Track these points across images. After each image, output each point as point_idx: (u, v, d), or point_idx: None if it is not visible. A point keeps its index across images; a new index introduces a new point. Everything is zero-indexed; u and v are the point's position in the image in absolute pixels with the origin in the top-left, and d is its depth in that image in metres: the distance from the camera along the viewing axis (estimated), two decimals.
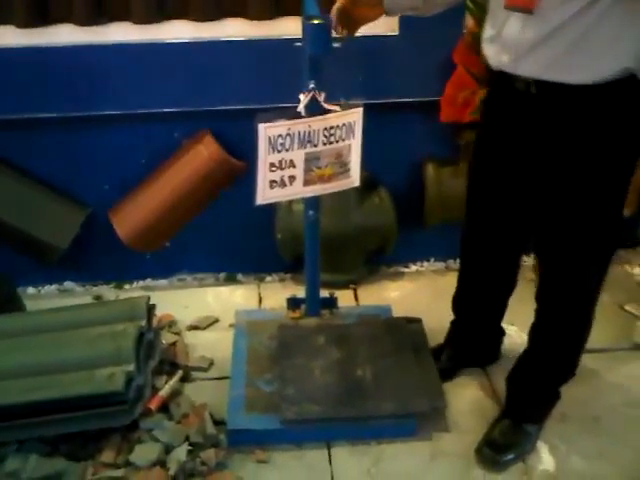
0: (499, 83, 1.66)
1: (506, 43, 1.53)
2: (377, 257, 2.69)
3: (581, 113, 1.52)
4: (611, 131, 1.53)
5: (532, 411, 1.98)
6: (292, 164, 1.83)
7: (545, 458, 1.93)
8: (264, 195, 1.85)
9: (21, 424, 1.79)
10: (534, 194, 1.74)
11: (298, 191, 1.89)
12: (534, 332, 1.91)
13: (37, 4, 2.22)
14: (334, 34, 1.71)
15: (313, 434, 1.95)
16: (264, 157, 1.79)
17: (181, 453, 1.82)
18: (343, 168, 1.90)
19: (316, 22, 1.65)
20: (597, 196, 1.60)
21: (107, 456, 1.80)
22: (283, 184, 1.85)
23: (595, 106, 1.51)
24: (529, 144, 1.65)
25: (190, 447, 1.85)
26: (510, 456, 1.90)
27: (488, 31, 1.63)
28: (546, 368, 1.91)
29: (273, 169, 1.81)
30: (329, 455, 1.94)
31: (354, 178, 1.93)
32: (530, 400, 1.97)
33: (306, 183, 1.88)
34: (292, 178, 1.85)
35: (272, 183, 1.83)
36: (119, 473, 1.75)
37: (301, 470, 1.89)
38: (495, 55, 1.59)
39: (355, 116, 1.84)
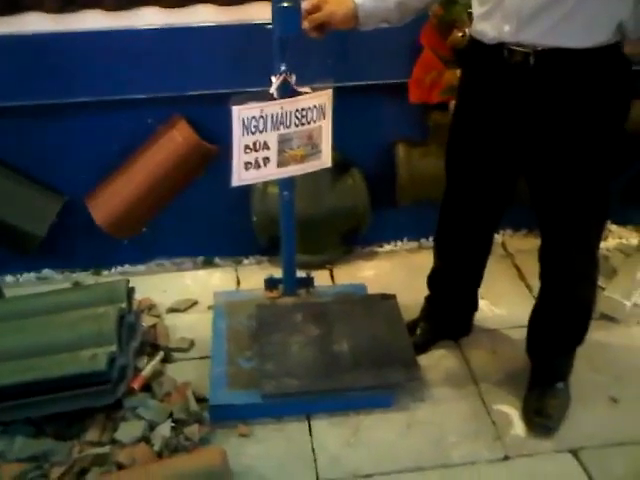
0: (488, 59, 1.69)
1: (508, 13, 1.58)
2: (352, 237, 2.74)
3: (576, 79, 1.60)
4: (602, 95, 1.61)
5: (560, 370, 2.06)
6: (266, 146, 1.88)
7: (516, 423, 2.02)
8: (240, 177, 1.89)
9: (6, 406, 1.82)
10: (518, 164, 1.81)
11: (273, 172, 1.94)
12: (543, 295, 1.97)
13: None
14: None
15: (293, 408, 2.01)
16: (238, 139, 1.83)
17: (165, 429, 1.87)
18: (315, 149, 1.96)
19: (286, 5, 1.69)
20: (591, 158, 1.67)
21: (92, 435, 1.85)
22: (258, 165, 1.90)
23: (588, 71, 1.58)
24: (519, 116, 1.70)
25: (173, 424, 1.90)
26: (558, 419, 1.99)
27: (480, 9, 1.68)
28: (563, 325, 1.98)
29: (248, 151, 1.86)
30: (309, 427, 2.00)
31: (325, 159, 1.98)
32: (555, 361, 2.05)
33: (280, 164, 1.93)
34: (266, 160, 1.90)
35: (247, 165, 1.88)
36: (104, 450, 1.79)
37: (282, 442, 1.95)
38: (494, 28, 1.63)
39: (325, 98, 1.90)
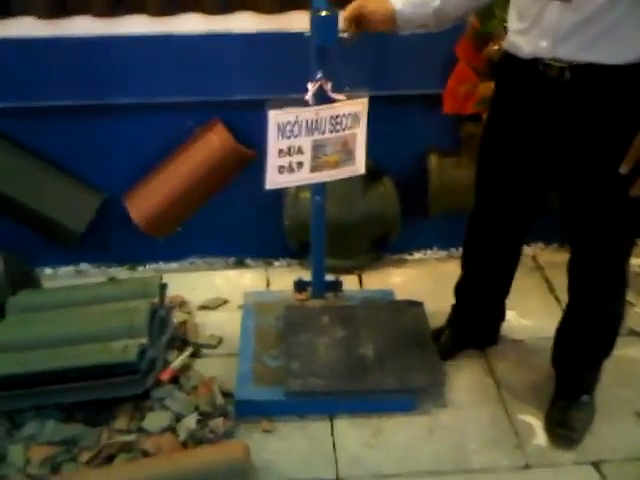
0: (523, 73, 1.72)
1: (546, 30, 1.61)
2: (382, 244, 2.77)
3: (609, 95, 1.61)
4: (634, 110, 1.61)
5: (585, 383, 2.07)
6: (300, 150, 1.92)
7: (538, 433, 2.03)
8: (273, 180, 1.94)
9: (39, 391, 1.89)
10: (549, 178, 1.83)
11: (306, 177, 1.98)
12: (571, 308, 1.98)
13: None
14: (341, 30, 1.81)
15: (316, 406, 2.05)
16: (273, 143, 1.88)
17: (191, 421, 1.91)
18: (348, 156, 1.98)
19: (323, 14, 1.74)
20: (615, 181, 1.66)
21: (120, 423, 1.90)
22: (291, 170, 1.94)
23: (622, 87, 1.60)
24: (552, 129, 1.72)
25: (199, 417, 1.95)
26: (581, 431, 2.00)
27: (518, 24, 1.70)
28: (590, 339, 1.98)
29: (282, 155, 1.90)
30: (331, 426, 2.03)
31: (359, 166, 2.01)
32: (580, 375, 2.06)
33: (313, 169, 1.97)
34: (300, 164, 1.94)
35: (281, 168, 1.92)
36: (131, 438, 1.85)
37: (304, 440, 1.99)
38: (530, 43, 1.66)
39: (361, 106, 1.93)
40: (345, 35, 1.82)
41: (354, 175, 2.03)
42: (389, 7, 1.80)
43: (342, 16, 1.82)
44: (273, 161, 1.91)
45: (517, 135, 1.82)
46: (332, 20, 1.76)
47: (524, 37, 1.67)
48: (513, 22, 1.73)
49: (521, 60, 1.70)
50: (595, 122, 1.65)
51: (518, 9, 1.69)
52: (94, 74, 2.37)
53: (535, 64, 1.66)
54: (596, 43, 1.55)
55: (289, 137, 1.89)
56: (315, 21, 1.77)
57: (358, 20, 1.82)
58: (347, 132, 1.95)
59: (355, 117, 1.93)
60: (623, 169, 1.59)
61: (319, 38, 1.79)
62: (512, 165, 1.87)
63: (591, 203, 1.76)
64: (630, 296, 2.57)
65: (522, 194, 1.92)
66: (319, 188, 2.15)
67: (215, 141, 2.46)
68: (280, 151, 1.90)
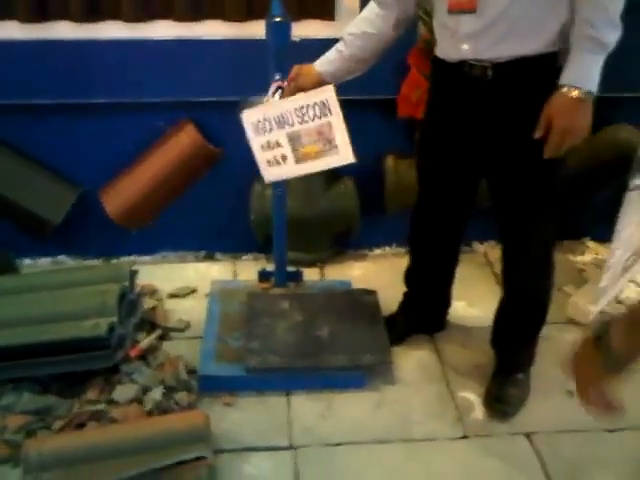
0: (451, 75, 1.91)
1: (463, 36, 1.82)
2: (343, 240, 2.95)
3: (526, 83, 1.81)
4: (546, 93, 1.78)
5: (520, 361, 2.25)
6: (278, 144, 2.01)
7: (477, 407, 2.21)
8: (267, 174, 2.09)
9: (16, 364, 2.04)
10: (480, 168, 2.03)
11: (294, 169, 2.05)
12: (505, 292, 2.17)
13: (38, 2, 2.47)
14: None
15: (274, 382, 2.21)
16: (253, 140, 2.03)
17: (157, 394, 2.06)
18: (329, 146, 1.98)
19: (277, 20, 1.93)
20: (540, 158, 1.83)
21: (91, 394, 2.05)
22: (277, 162, 2.04)
23: (536, 75, 1.79)
24: (478, 121, 1.92)
25: (164, 390, 2.10)
26: (516, 405, 2.18)
27: (443, 33, 1.90)
28: (522, 319, 2.17)
29: (265, 150, 2.03)
30: (287, 401, 2.19)
31: (344, 154, 1.99)
32: (515, 353, 2.25)
33: (298, 161, 2.04)
34: (284, 157, 2.04)
35: (269, 162, 2.06)
36: (101, 407, 2.00)
37: (262, 412, 2.15)
38: (454, 47, 1.85)
39: (326, 94, 1.91)
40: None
41: (344, 164, 2.02)
42: (314, 73, 2.00)
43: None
44: (259, 156, 2.04)
45: (450, 130, 2.01)
46: (286, 26, 1.94)
47: (449, 43, 1.88)
48: (439, 33, 1.94)
49: (449, 64, 1.91)
50: (515, 109, 1.85)
51: (440, 22, 1.91)
52: (73, 75, 2.52)
53: (461, 66, 1.86)
54: (505, 40, 1.76)
55: (264, 133, 2.00)
56: (270, 27, 1.95)
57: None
58: (317, 122, 1.94)
59: (323, 106, 1.92)
60: (537, 134, 1.77)
61: (274, 42, 1.97)
62: (447, 158, 2.07)
63: (515, 188, 1.94)
64: (571, 289, 2.78)
65: (457, 184, 2.11)
66: (279, 182, 2.31)
67: (185, 140, 2.63)
68: (262, 146, 2.02)
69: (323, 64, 2.01)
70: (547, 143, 1.78)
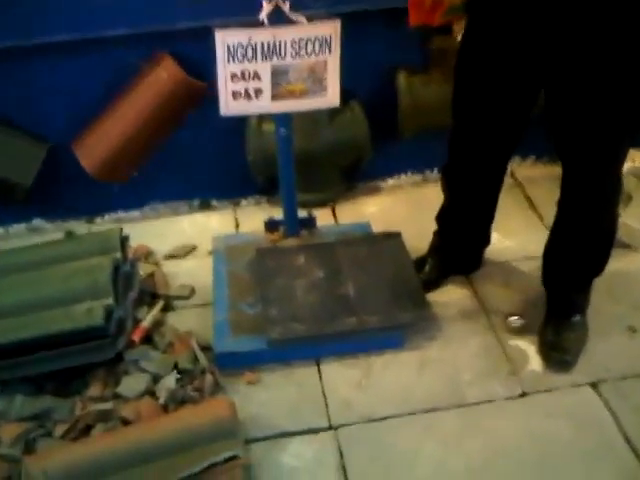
0: None
1: None
2: (353, 173, 2.64)
3: None
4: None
5: (577, 302, 1.99)
6: (257, 76, 1.82)
7: (532, 357, 1.96)
8: (228, 106, 1.85)
9: (2, 365, 1.75)
10: (539, 78, 1.69)
11: (266, 105, 1.87)
12: (561, 224, 1.89)
13: None
14: None
15: (301, 352, 1.95)
16: (223, 66, 1.78)
17: (170, 381, 1.81)
18: (317, 86, 1.86)
19: None
20: (621, 67, 1.53)
21: (94, 390, 1.79)
22: (248, 96, 1.84)
23: None
24: (542, 20, 1.56)
25: (179, 375, 1.84)
26: (576, 353, 1.94)
27: None
28: (584, 254, 1.90)
29: (235, 80, 1.80)
30: (319, 371, 1.94)
31: (332, 98, 1.89)
32: (572, 294, 1.99)
33: (275, 98, 1.85)
34: (259, 91, 1.84)
35: (235, 94, 1.83)
36: (108, 406, 1.74)
37: (292, 388, 1.90)
38: None
39: (331, 30, 1.78)
40: None
41: (325, 107, 1.93)
42: None
43: None
44: (225, 85, 1.82)
45: (502, 35, 1.66)
46: None
47: None
48: None
49: None
50: (590, 12, 1.49)
51: None
52: (24, 9, 2.12)
53: None
54: None
55: (242, 60, 1.78)
56: None
57: None
58: (314, 58, 1.81)
59: (324, 42, 1.79)
60: None
61: None
62: (498, 71, 1.71)
63: (586, 102, 1.61)
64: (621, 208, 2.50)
65: (509, 101, 1.77)
66: (283, 119, 2.00)
67: (163, 75, 2.27)
68: (232, 75, 1.80)
69: None
70: None
